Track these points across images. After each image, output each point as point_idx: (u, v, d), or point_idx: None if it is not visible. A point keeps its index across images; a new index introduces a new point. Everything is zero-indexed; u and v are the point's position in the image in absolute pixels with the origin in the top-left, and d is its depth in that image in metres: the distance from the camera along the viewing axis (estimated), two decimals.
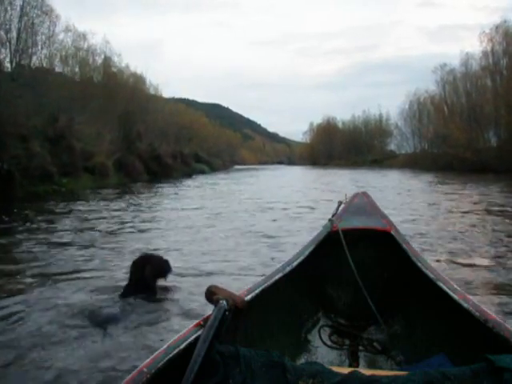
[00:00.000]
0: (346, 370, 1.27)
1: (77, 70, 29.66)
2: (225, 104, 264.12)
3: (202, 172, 40.83)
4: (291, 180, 28.29)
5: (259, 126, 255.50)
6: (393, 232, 2.40)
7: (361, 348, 2.17)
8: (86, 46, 29.83)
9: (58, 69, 27.12)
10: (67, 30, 27.58)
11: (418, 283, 2.09)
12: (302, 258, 2.27)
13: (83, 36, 29.56)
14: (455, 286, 1.77)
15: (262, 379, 1.22)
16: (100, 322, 3.19)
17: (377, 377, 1.21)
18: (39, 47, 24.49)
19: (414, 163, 45.97)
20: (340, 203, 2.78)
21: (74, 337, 2.95)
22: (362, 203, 2.72)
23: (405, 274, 2.29)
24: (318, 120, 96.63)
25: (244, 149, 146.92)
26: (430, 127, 50.99)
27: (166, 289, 3.94)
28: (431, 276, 1.93)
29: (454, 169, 34.29)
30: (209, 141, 64.16)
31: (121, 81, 32.03)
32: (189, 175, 32.61)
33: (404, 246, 2.28)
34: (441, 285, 1.82)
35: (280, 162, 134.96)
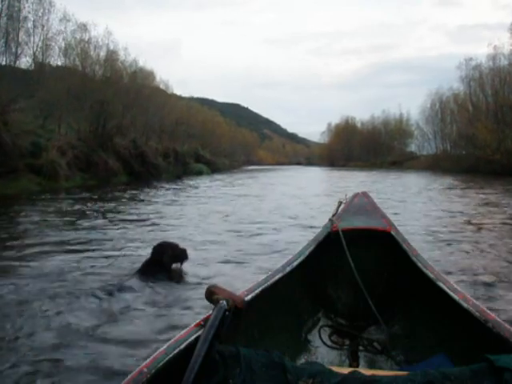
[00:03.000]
0: (346, 370, 1.27)
1: (77, 62, 26.75)
2: (244, 104, 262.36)
3: (200, 172, 37.10)
4: (293, 184, 24.04)
5: (279, 126, 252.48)
6: (393, 232, 2.39)
7: (361, 348, 2.15)
8: (87, 37, 26.90)
9: (57, 61, 24.25)
10: (65, 19, 24.55)
11: (418, 283, 2.08)
12: (302, 257, 2.24)
13: (84, 27, 26.60)
14: (455, 286, 1.76)
15: (262, 379, 1.21)
16: (115, 292, 3.70)
17: (377, 377, 1.21)
18: (29, 35, 21.38)
19: (435, 165, 44.15)
20: (340, 203, 2.74)
21: (88, 304, 3.44)
22: (362, 203, 2.71)
23: (405, 274, 2.28)
24: (336, 120, 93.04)
25: (261, 149, 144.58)
26: (453, 127, 48.58)
27: (180, 272, 4.50)
28: (431, 276, 1.91)
29: (479, 171, 32.10)
30: (221, 140, 61.31)
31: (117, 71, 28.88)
32: (178, 176, 29.04)
33: (404, 245, 2.26)
34: (441, 285, 1.81)
35: (298, 163, 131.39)
